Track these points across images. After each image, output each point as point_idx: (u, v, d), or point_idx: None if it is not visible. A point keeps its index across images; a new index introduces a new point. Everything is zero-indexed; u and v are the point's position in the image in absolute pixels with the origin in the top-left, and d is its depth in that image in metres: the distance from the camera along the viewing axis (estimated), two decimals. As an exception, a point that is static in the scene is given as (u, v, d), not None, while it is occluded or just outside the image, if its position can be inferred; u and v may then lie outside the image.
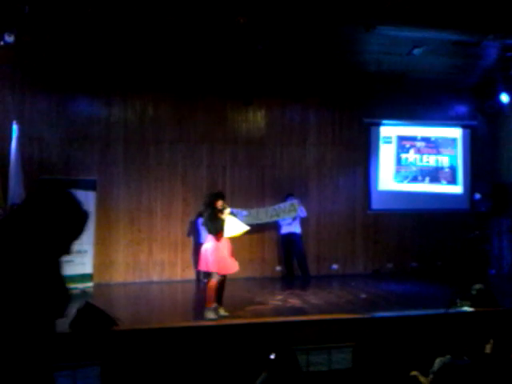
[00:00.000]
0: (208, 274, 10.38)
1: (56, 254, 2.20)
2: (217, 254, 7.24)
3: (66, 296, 2.22)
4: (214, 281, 7.32)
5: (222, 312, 7.35)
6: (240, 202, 10.84)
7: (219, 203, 7.27)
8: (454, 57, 10.86)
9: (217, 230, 7.26)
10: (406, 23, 9.44)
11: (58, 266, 2.19)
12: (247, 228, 7.65)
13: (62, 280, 2.22)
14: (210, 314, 7.22)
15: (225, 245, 7.37)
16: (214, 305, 7.36)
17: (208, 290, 7.36)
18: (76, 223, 2.24)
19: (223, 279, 7.45)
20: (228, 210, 7.35)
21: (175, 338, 6.44)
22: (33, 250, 2.10)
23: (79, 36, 9.26)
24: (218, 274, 7.30)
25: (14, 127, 9.02)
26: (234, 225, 7.44)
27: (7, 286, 2.01)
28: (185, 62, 10.30)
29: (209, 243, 7.34)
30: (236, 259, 10.66)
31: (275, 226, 10.92)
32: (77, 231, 2.23)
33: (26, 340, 1.98)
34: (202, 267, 7.50)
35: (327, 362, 6.67)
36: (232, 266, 7.41)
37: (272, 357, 4.77)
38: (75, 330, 6.20)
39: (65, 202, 2.22)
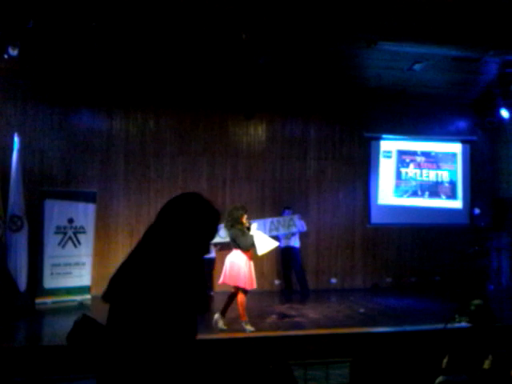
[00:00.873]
0: (207, 288, 10.43)
1: (199, 254, 2.32)
2: (248, 269, 7.24)
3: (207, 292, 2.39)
4: (243, 296, 7.29)
5: (220, 324, 7.31)
6: (240, 216, 10.85)
7: (244, 217, 7.24)
8: (454, 72, 10.93)
9: (249, 246, 7.23)
10: (407, 39, 9.53)
11: (201, 265, 2.33)
12: (277, 243, 7.55)
13: (204, 278, 2.37)
14: (248, 327, 7.24)
15: (250, 258, 7.35)
16: (247, 318, 7.35)
17: (239, 305, 7.33)
18: (212, 222, 2.36)
19: (235, 293, 7.41)
20: (255, 225, 7.30)
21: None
22: (182, 252, 2.24)
23: (82, 49, 9.35)
24: (244, 289, 7.28)
25: (16, 139, 9.07)
26: (264, 240, 7.39)
27: (163, 286, 2.14)
28: (187, 76, 10.39)
29: (237, 258, 7.26)
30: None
31: (274, 239, 10.89)
32: (213, 230, 2.35)
33: (180, 336, 2.09)
34: (228, 281, 7.37)
35: (325, 377, 6.64)
36: (254, 282, 7.40)
37: (268, 370, 4.77)
38: (72, 342, 6.19)
39: (201, 204, 2.36)
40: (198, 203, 2.32)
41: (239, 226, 7.15)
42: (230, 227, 7.27)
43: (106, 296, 2.19)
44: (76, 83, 10.19)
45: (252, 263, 7.40)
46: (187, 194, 2.39)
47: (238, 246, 7.22)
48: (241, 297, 7.29)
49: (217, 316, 7.35)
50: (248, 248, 7.24)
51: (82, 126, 10.50)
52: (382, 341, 7.08)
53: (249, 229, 7.25)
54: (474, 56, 10.24)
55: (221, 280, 7.47)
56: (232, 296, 7.43)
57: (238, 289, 7.33)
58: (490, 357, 5.17)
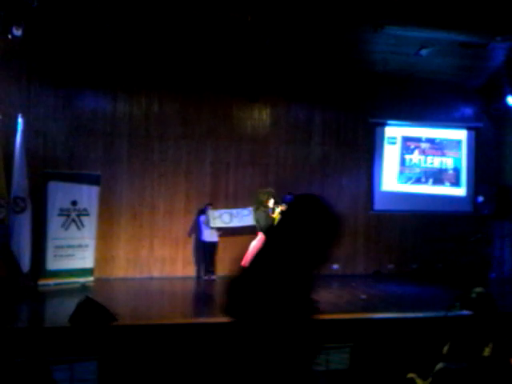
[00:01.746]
0: (209, 271, 10.50)
1: (318, 263, 2.22)
2: None
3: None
4: None
5: None
6: (243, 200, 10.83)
7: (271, 202, 7.27)
8: (460, 58, 10.84)
9: (267, 228, 7.26)
10: (414, 23, 9.45)
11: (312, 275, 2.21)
12: None
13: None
14: None
15: None
16: None
17: None
18: (333, 230, 2.22)
19: None
20: (278, 210, 7.32)
21: (174, 334, 6.45)
22: (303, 263, 2.14)
23: (86, 31, 9.31)
24: None
25: (19, 121, 9.06)
26: None
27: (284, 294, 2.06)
28: (191, 59, 10.32)
29: (259, 241, 7.34)
30: (236, 257, 10.71)
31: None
32: (334, 237, 2.20)
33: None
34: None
35: (325, 362, 6.67)
36: None
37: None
38: (74, 324, 6.23)
39: (320, 210, 2.21)
40: (317, 209, 2.18)
41: (263, 208, 7.22)
42: (255, 210, 7.38)
43: (231, 310, 2.09)
44: (80, 65, 10.13)
45: None
46: (306, 199, 2.23)
47: (260, 228, 7.31)
48: None
49: None
50: (265, 231, 7.32)
51: (86, 109, 10.45)
52: (382, 327, 7.09)
53: (273, 211, 7.28)
54: (481, 41, 10.15)
55: (243, 262, 7.49)
56: None
57: None
58: (491, 344, 5.17)
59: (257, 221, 7.37)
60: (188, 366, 6.19)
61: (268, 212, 7.23)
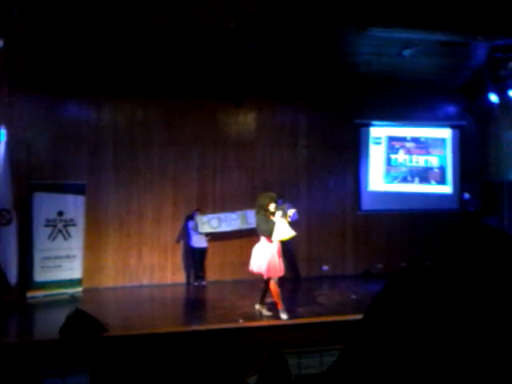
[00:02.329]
0: (199, 277, 10.47)
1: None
2: (270, 257, 7.30)
3: None
4: (273, 283, 7.38)
5: (264, 312, 7.47)
6: (230, 205, 10.84)
7: (272, 205, 7.27)
8: (443, 57, 10.92)
9: (267, 233, 7.30)
10: (397, 25, 9.48)
11: None
12: (294, 233, 7.54)
13: None
14: (284, 315, 7.35)
15: (275, 247, 7.37)
16: (282, 306, 7.45)
17: (272, 294, 7.45)
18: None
19: (268, 280, 7.46)
20: (279, 213, 7.32)
21: (165, 343, 6.41)
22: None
23: (68, 39, 9.22)
24: (267, 276, 7.35)
25: (2, 131, 8.95)
26: (283, 229, 7.37)
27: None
28: (175, 65, 10.28)
29: (261, 246, 7.37)
30: (226, 262, 10.72)
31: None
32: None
33: None
34: (252, 269, 7.52)
35: (319, 365, 6.66)
36: (281, 269, 7.44)
37: (263, 360, 4.77)
38: (65, 336, 6.16)
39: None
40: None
41: (264, 212, 7.23)
42: (256, 213, 7.41)
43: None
44: (63, 74, 10.02)
45: (278, 249, 7.43)
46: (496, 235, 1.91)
47: (261, 233, 7.34)
48: (272, 285, 7.39)
49: (257, 306, 7.54)
50: (267, 234, 7.32)
51: (70, 118, 10.36)
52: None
53: (273, 215, 7.28)
54: (463, 41, 10.22)
55: (249, 268, 7.53)
56: (266, 283, 7.50)
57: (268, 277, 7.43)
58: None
59: (258, 225, 7.38)
60: (179, 374, 6.15)
61: (267, 216, 7.22)
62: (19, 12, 8.07)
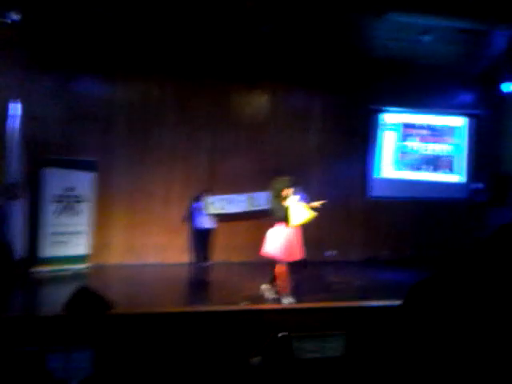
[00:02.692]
0: (204, 258, 10.51)
1: None
2: (287, 241, 7.26)
3: None
4: (281, 267, 7.35)
5: (267, 294, 7.49)
6: (240, 188, 10.80)
7: (287, 190, 7.23)
8: (461, 45, 10.75)
9: (281, 217, 7.24)
10: (417, 10, 9.35)
11: None
12: (312, 214, 7.42)
13: None
14: (287, 299, 7.35)
15: (291, 231, 7.32)
16: (288, 289, 7.42)
17: (279, 276, 7.40)
18: None
19: (303, 260, 7.54)
20: (295, 198, 7.27)
21: (169, 322, 6.44)
22: None
23: (83, 15, 9.19)
24: (282, 260, 7.33)
25: (16, 106, 8.97)
26: (299, 212, 7.30)
27: None
28: (189, 44, 10.20)
29: (276, 229, 7.33)
30: (233, 243, 10.72)
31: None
32: None
33: None
34: (264, 251, 7.46)
35: (320, 349, 6.67)
36: (298, 253, 7.38)
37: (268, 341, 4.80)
38: (69, 312, 6.20)
39: None
40: None
41: (280, 198, 7.20)
42: (272, 198, 7.39)
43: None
44: (77, 50, 9.99)
45: (296, 232, 7.37)
46: None
47: (276, 219, 7.31)
48: (278, 268, 7.35)
49: (263, 286, 7.51)
50: (280, 219, 7.26)
51: (83, 94, 10.34)
52: (378, 314, 7.08)
53: (285, 199, 7.24)
54: (482, 28, 10.06)
55: (262, 251, 7.53)
56: (298, 264, 7.56)
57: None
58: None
59: (273, 210, 7.33)
60: (183, 355, 6.19)
61: (281, 201, 7.18)
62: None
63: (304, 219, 7.36)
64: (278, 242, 7.29)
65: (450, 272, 1.80)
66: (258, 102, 11.36)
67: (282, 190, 7.23)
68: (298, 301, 7.51)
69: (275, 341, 5.04)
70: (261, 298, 7.45)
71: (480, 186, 11.59)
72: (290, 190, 7.27)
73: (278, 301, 7.40)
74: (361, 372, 6.54)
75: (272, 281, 7.56)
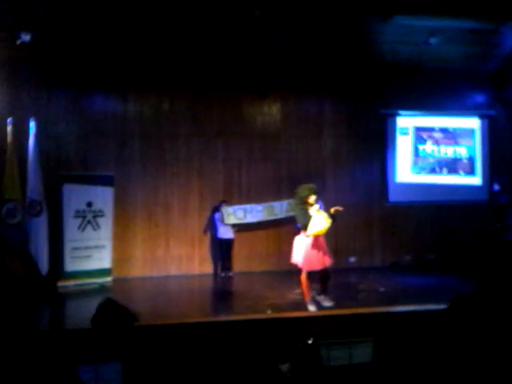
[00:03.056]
0: (226, 268, 10.54)
1: None
2: (306, 250, 7.25)
3: None
4: (303, 275, 7.33)
5: (326, 302, 7.40)
6: (256, 196, 10.87)
7: (311, 198, 7.21)
8: (470, 45, 10.77)
9: (304, 225, 7.24)
10: (423, 12, 9.37)
11: None
12: (328, 224, 7.27)
13: None
14: (311, 306, 7.31)
15: (310, 240, 7.27)
16: (312, 296, 7.41)
17: (302, 284, 7.40)
18: None
19: (325, 270, 7.39)
20: (316, 207, 7.24)
21: (194, 332, 6.46)
22: None
23: (95, 33, 9.32)
24: (304, 269, 7.31)
25: (31, 124, 9.10)
26: (319, 222, 7.20)
27: None
28: (199, 57, 10.31)
29: (300, 237, 7.35)
30: (253, 253, 10.71)
31: (291, 219, 10.84)
32: None
33: None
34: (293, 260, 7.46)
35: (348, 357, 6.65)
36: (320, 262, 7.28)
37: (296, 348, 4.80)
38: (96, 325, 6.24)
39: None
40: None
41: (303, 205, 7.17)
42: (295, 206, 7.38)
43: None
44: (90, 67, 10.15)
45: (319, 241, 7.30)
46: None
47: (300, 227, 7.31)
48: (302, 276, 7.33)
49: (320, 297, 7.47)
50: (303, 228, 7.24)
51: (97, 110, 10.48)
52: (404, 319, 7.05)
53: (310, 208, 7.22)
54: (491, 27, 10.05)
55: (292, 260, 7.52)
56: (321, 274, 7.43)
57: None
58: None
59: (296, 218, 7.32)
60: (209, 364, 6.20)
61: (306, 209, 7.15)
62: (45, 7, 8.19)
63: (320, 229, 7.30)
64: (301, 250, 7.30)
65: (492, 287, 1.88)
66: (270, 111, 11.41)
67: (305, 198, 7.21)
68: (321, 308, 7.50)
69: (303, 348, 5.04)
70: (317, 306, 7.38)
71: (499, 187, 11.51)
72: (314, 197, 7.24)
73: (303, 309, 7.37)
74: (389, 378, 6.52)
75: (322, 289, 7.50)
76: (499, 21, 9.67)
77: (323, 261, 7.29)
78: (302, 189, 7.30)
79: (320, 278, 7.49)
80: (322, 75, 11.20)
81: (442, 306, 7.41)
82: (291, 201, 10.51)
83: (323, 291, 7.51)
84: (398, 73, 11.28)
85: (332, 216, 7.31)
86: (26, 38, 8.74)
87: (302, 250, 7.27)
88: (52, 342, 6.04)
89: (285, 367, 4.73)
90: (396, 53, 10.82)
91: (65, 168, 9.90)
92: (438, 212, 11.74)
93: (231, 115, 11.08)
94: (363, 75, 11.38)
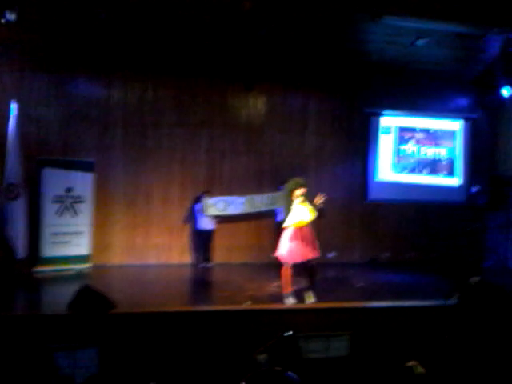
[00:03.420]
0: (205, 259, 10.52)
1: None
2: (288, 242, 7.26)
3: None
4: (286, 268, 7.34)
5: (311, 298, 7.37)
6: (238, 189, 10.84)
7: (298, 191, 7.23)
8: (456, 49, 10.87)
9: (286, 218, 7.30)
10: (413, 14, 9.42)
11: None
12: (312, 216, 7.31)
13: None
14: (288, 300, 7.30)
15: (290, 232, 7.28)
16: (291, 290, 7.38)
17: (282, 276, 7.40)
18: None
19: (312, 264, 7.39)
20: (300, 199, 7.23)
21: (172, 322, 6.44)
22: None
23: (80, 15, 9.17)
24: (284, 261, 7.33)
25: (13, 106, 8.93)
26: (299, 214, 7.25)
27: None
28: (186, 46, 10.23)
29: (286, 230, 7.34)
30: (233, 245, 10.71)
31: (271, 213, 10.88)
32: None
33: None
34: (277, 253, 7.44)
35: (325, 349, 6.70)
36: (302, 254, 7.25)
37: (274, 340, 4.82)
38: (73, 311, 6.17)
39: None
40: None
41: (291, 198, 7.22)
42: (284, 199, 7.41)
43: None
44: (74, 50, 9.99)
45: (306, 232, 7.30)
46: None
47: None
48: (284, 268, 7.35)
49: (307, 293, 7.44)
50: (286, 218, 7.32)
51: (80, 95, 10.33)
52: (381, 315, 7.13)
53: (293, 200, 7.25)
54: (478, 33, 10.16)
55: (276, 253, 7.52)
56: (306, 268, 7.43)
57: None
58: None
59: (285, 210, 7.37)
60: (186, 353, 6.19)
61: (292, 202, 7.19)
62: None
63: (294, 222, 7.32)
64: (283, 242, 7.32)
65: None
66: (255, 104, 11.39)
67: (292, 190, 7.27)
68: (300, 301, 7.52)
69: (281, 340, 5.06)
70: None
71: (478, 188, 11.69)
72: (301, 191, 7.27)
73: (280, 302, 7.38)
74: (364, 372, 6.58)
75: (310, 284, 7.50)
76: (486, 27, 9.77)
77: (306, 253, 7.28)
78: (292, 182, 7.39)
79: (306, 273, 7.50)
80: (308, 71, 11.21)
81: (419, 303, 7.57)
82: (276, 193, 10.63)
83: (310, 286, 7.48)
84: (383, 73, 11.35)
85: (320, 210, 7.35)
86: (10, 17, 8.53)
87: (284, 243, 7.29)
88: (28, 327, 5.96)
89: (262, 358, 4.75)
90: (383, 53, 10.87)
91: (45, 152, 9.74)
92: (417, 211, 11.87)
93: (216, 106, 11.03)
94: (349, 73, 11.41)
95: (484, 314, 1.93)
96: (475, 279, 7.38)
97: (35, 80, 10.04)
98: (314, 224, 7.50)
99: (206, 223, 10.43)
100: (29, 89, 9.97)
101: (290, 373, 2.26)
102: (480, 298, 1.92)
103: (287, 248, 7.26)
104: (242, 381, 2.19)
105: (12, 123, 8.90)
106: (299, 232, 7.27)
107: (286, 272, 7.34)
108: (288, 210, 7.35)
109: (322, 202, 7.37)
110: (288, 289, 7.39)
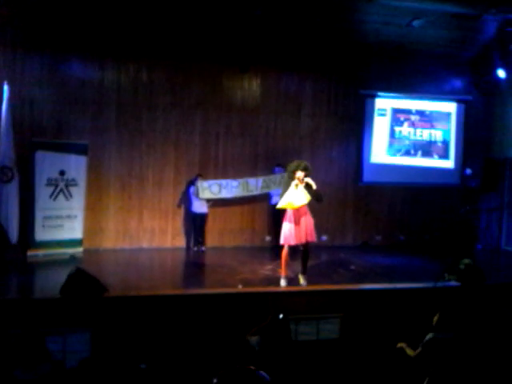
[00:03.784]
0: (199, 243, 10.54)
1: None
2: (285, 223, 7.32)
3: None
4: (284, 250, 7.42)
5: (301, 281, 7.44)
6: (232, 171, 10.84)
7: (297, 174, 7.22)
8: (452, 30, 10.79)
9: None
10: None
11: None
12: (301, 203, 7.27)
13: None
14: (281, 282, 7.42)
15: (293, 213, 7.30)
16: (285, 273, 7.47)
17: (281, 259, 7.48)
18: None
19: (305, 248, 7.45)
20: (294, 182, 7.22)
21: (164, 305, 6.48)
22: None
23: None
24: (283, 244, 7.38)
25: (5, 88, 8.86)
26: (288, 197, 7.24)
27: None
28: (181, 27, 10.12)
29: (286, 213, 7.38)
30: (227, 228, 10.73)
31: (266, 196, 10.88)
32: None
33: None
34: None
35: (316, 332, 6.76)
36: (296, 237, 7.29)
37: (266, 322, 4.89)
38: (66, 295, 6.21)
39: None
40: None
41: (290, 180, 7.23)
42: (285, 180, 7.45)
43: None
44: (68, 32, 9.85)
45: (302, 215, 7.32)
46: None
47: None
48: (283, 251, 7.42)
49: (301, 276, 7.50)
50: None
51: (73, 77, 10.21)
52: (372, 297, 7.18)
53: (289, 183, 7.26)
54: (474, 13, 10.06)
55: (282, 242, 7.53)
56: (302, 252, 7.50)
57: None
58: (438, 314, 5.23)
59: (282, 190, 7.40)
60: (179, 336, 6.24)
61: (290, 184, 7.19)
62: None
63: (283, 205, 7.31)
64: (282, 225, 7.39)
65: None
66: (250, 86, 11.31)
67: (292, 172, 7.27)
68: (292, 283, 7.57)
69: (273, 322, 5.12)
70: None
71: (471, 171, 11.69)
72: (300, 174, 7.26)
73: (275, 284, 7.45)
74: (354, 354, 6.64)
75: (303, 269, 7.54)
76: (483, 7, 9.67)
77: (300, 236, 7.30)
78: (292, 164, 7.38)
79: (301, 256, 7.57)
80: (303, 52, 11.10)
81: (409, 285, 7.62)
82: (271, 176, 10.63)
83: (302, 270, 7.54)
84: (379, 54, 11.26)
85: (318, 196, 7.36)
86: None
87: (283, 225, 7.38)
88: (20, 311, 5.99)
89: (254, 340, 4.80)
90: (379, 34, 10.78)
91: (38, 134, 9.66)
92: (410, 194, 11.90)
93: (210, 88, 10.94)
94: (345, 54, 11.31)
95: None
96: (466, 261, 7.40)
97: (28, 61, 9.90)
98: (310, 208, 7.53)
99: (199, 206, 10.42)
100: (21, 70, 9.85)
101: (261, 372, 2.29)
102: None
103: (283, 229, 7.34)
104: (214, 378, 2.23)
105: (4, 105, 8.82)
106: (295, 214, 7.30)
107: (283, 253, 7.42)
108: (283, 191, 7.36)
109: (309, 183, 7.31)
110: (283, 271, 7.46)
